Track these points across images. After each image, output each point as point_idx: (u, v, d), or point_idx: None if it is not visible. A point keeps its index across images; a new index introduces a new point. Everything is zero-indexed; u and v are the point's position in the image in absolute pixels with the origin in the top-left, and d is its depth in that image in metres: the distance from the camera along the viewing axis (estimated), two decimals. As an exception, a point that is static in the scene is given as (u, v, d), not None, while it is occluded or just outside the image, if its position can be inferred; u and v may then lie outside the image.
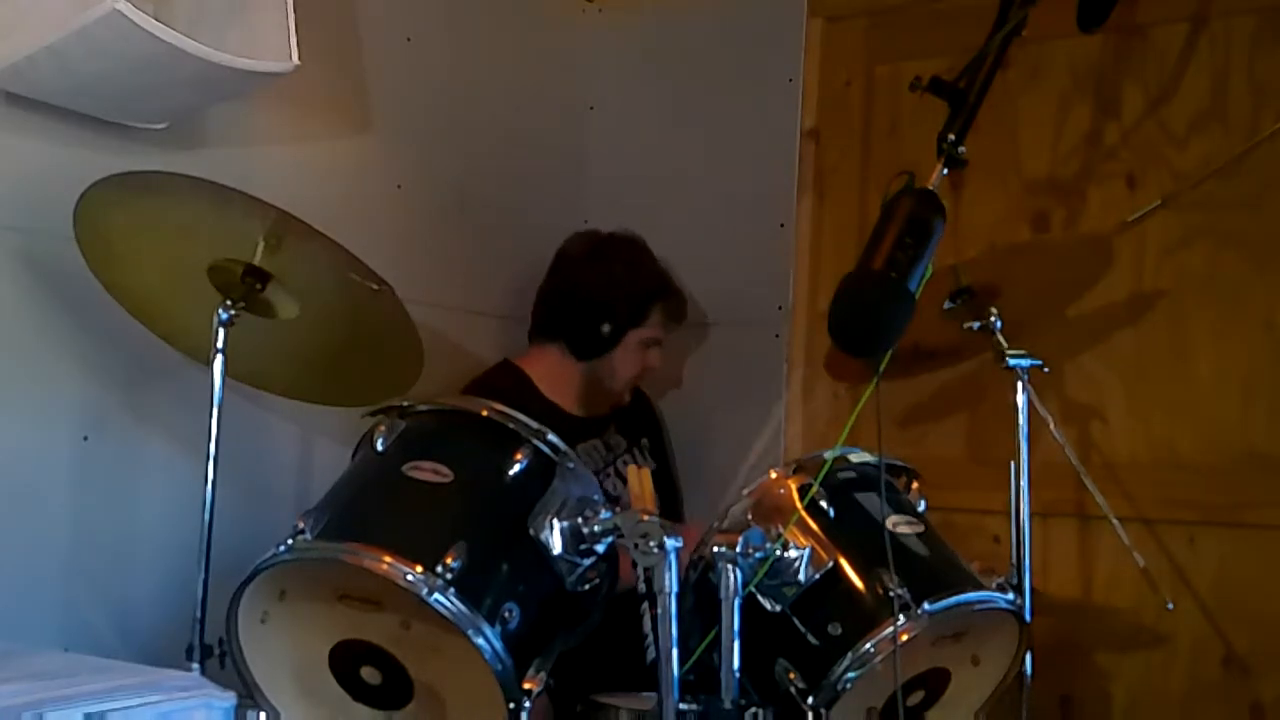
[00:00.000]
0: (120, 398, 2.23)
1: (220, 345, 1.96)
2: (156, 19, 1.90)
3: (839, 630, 1.86)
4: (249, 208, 1.94)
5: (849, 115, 2.88)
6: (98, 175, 1.92)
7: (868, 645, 1.82)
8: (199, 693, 1.55)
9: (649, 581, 1.71)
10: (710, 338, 3.01)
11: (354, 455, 2.01)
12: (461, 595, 1.69)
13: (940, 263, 1.85)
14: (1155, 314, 2.51)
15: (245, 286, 1.99)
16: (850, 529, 1.94)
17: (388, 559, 1.70)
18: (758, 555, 1.84)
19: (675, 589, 1.68)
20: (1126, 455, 2.52)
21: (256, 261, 1.99)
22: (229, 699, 1.57)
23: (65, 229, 1.96)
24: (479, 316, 2.90)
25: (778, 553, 1.87)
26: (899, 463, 2.10)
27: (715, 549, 1.80)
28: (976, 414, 2.65)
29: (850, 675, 1.82)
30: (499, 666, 1.71)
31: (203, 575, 1.94)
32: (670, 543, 1.69)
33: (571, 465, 1.86)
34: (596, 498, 1.85)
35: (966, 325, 2.24)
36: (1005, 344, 2.19)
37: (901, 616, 1.81)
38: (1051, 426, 2.24)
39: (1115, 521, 2.27)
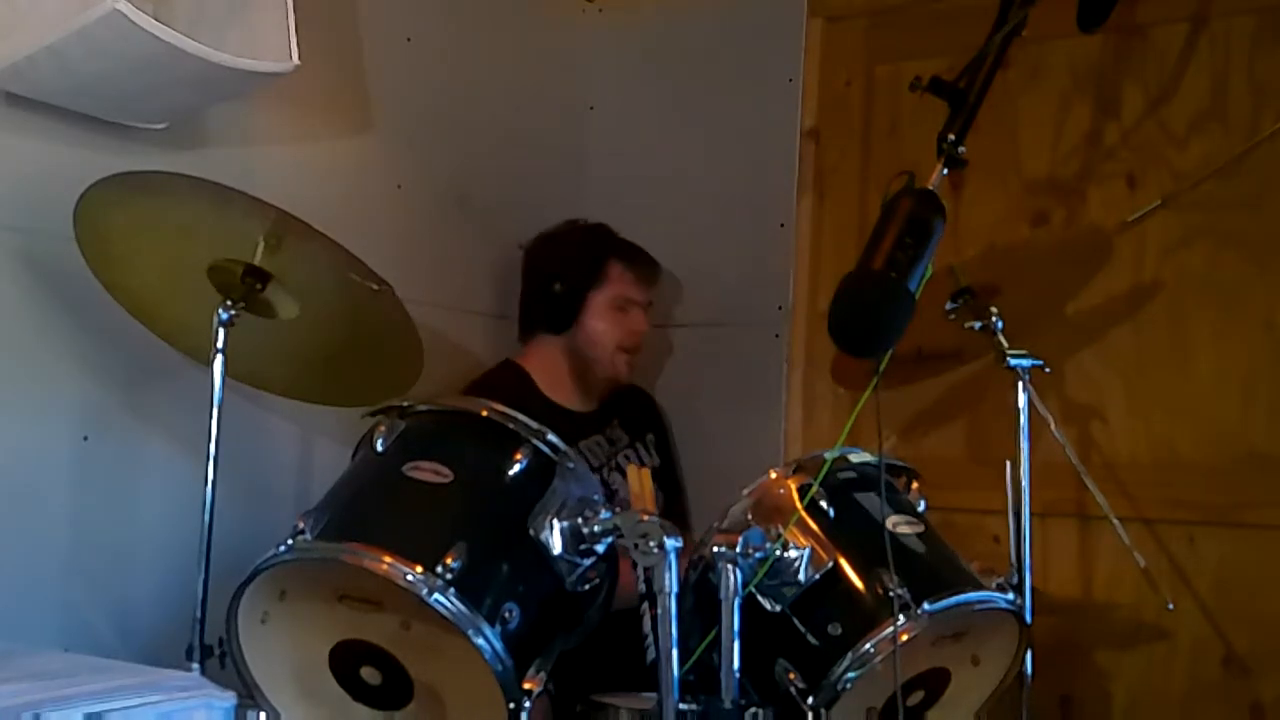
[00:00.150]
0: (120, 398, 2.23)
1: (220, 345, 1.96)
2: (156, 19, 1.90)
3: (839, 630, 1.86)
4: (249, 208, 1.94)
5: (849, 115, 2.88)
6: (98, 175, 1.92)
7: (868, 645, 1.82)
8: (199, 693, 1.55)
9: (649, 581, 1.71)
10: (710, 338, 3.01)
11: (354, 455, 2.01)
12: (461, 595, 1.69)
13: (940, 263, 1.85)
14: (1155, 314, 2.51)
15: (245, 286, 1.99)
16: (850, 529, 1.94)
17: (388, 559, 1.70)
18: (758, 555, 1.84)
19: (675, 589, 1.68)
20: (1126, 455, 2.52)
21: (256, 261, 1.99)
22: (229, 699, 1.57)
23: (65, 229, 1.96)
24: (479, 316, 2.90)
25: (778, 553, 1.87)
26: (899, 463, 2.10)
27: (715, 549, 1.80)
28: (977, 414, 2.65)
29: (850, 675, 1.82)
30: (499, 667, 1.71)
31: (203, 575, 1.94)
32: (670, 543, 1.69)
33: (571, 465, 1.87)
34: (596, 498, 1.85)
35: (967, 325, 2.24)
36: (1006, 344, 2.19)
37: (901, 616, 1.80)
38: (1052, 426, 2.24)
39: (1115, 521, 2.27)
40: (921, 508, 2.08)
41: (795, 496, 1.95)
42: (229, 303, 1.96)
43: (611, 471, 2.68)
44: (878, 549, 1.86)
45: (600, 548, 1.82)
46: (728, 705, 1.74)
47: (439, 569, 1.69)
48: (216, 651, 1.88)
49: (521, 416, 1.89)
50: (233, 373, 2.00)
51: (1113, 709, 2.50)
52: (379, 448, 1.88)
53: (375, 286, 2.01)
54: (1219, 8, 2.49)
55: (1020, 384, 2.17)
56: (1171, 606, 2.34)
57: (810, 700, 1.84)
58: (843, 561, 1.90)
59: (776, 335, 2.91)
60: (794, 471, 2.00)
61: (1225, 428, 2.44)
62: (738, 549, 1.79)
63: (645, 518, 1.73)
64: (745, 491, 1.99)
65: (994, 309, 2.22)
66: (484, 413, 1.92)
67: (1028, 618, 2.05)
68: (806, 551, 1.89)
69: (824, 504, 1.94)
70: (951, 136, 1.79)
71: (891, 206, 1.74)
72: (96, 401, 2.20)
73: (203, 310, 1.97)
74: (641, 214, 2.91)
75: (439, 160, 2.82)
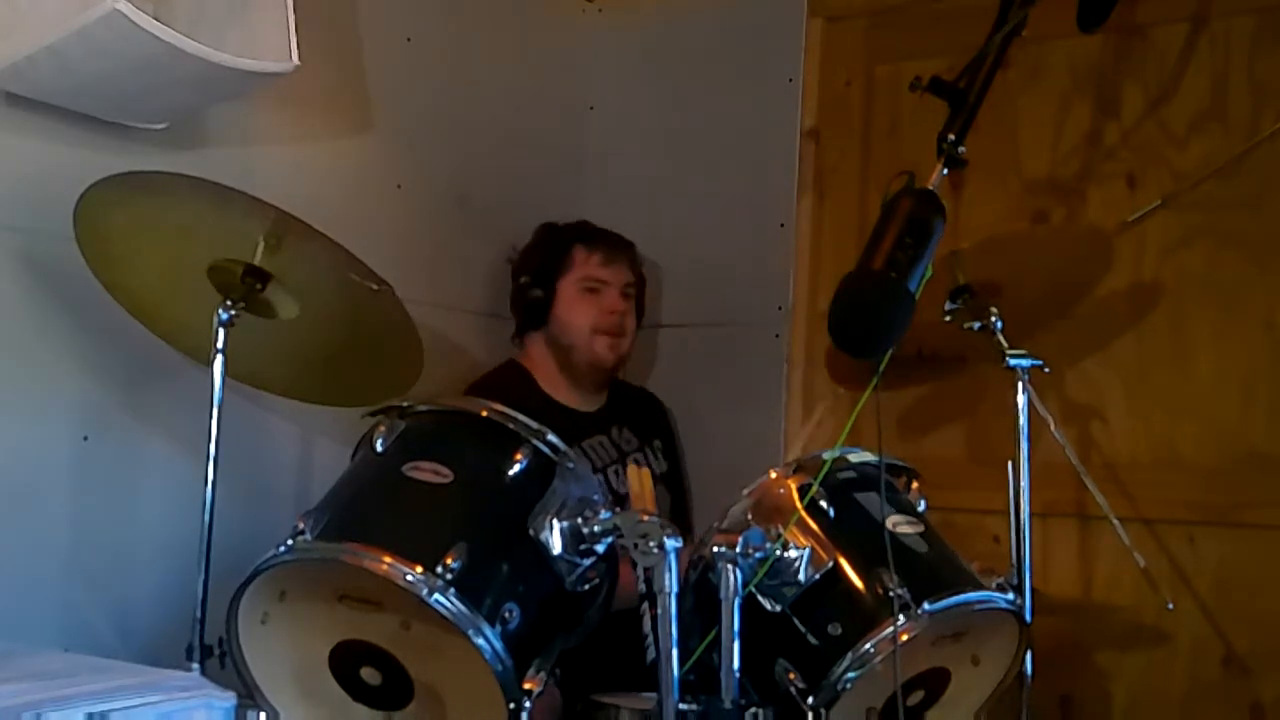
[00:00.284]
0: (120, 398, 2.23)
1: (220, 345, 1.96)
2: (156, 19, 1.91)
3: (839, 630, 1.86)
4: (249, 208, 1.94)
5: (849, 115, 2.88)
6: (98, 175, 1.92)
7: (868, 645, 1.82)
8: (199, 693, 1.55)
9: (649, 581, 1.71)
10: (710, 338, 3.01)
11: (354, 455, 2.01)
12: (461, 595, 1.69)
13: (940, 263, 1.85)
14: (1155, 314, 2.51)
15: (245, 286, 1.99)
16: (850, 529, 1.94)
17: (388, 559, 1.70)
18: (758, 555, 1.84)
19: (675, 589, 1.68)
20: (1126, 455, 2.52)
21: (256, 261, 1.99)
22: (229, 699, 1.57)
23: (65, 229, 1.96)
24: (479, 316, 2.89)
25: (778, 553, 1.87)
26: (899, 463, 2.10)
27: (715, 549, 1.80)
28: (977, 414, 2.65)
29: (850, 675, 1.82)
30: (499, 667, 1.71)
31: (203, 575, 1.94)
32: (670, 543, 1.69)
33: (571, 465, 1.86)
34: (596, 498, 1.85)
35: (967, 325, 2.24)
36: (1005, 344, 2.19)
37: (901, 616, 1.80)
38: (1052, 426, 2.24)
39: (1115, 521, 2.27)
40: (921, 508, 2.08)
41: (795, 496, 1.95)
42: (229, 303, 1.96)
43: (618, 474, 2.67)
44: (878, 549, 1.86)
45: (600, 548, 1.82)
46: (728, 705, 1.74)
47: (439, 569, 1.69)
48: (216, 651, 1.88)
49: (521, 416, 1.89)
50: (233, 373, 2.00)
51: (1113, 709, 2.50)
52: (379, 448, 1.88)
53: (375, 286, 2.01)
54: (1219, 8, 2.49)
55: (1020, 384, 2.16)
56: (1171, 606, 2.34)
57: (810, 700, 1.84)
58: (843, 561, 1.90)
59: (776, 335, 2.91)
60: (794, 471, 2.00)
61: (1225, 428, 2.44)
62: (738, 549, 1.79)
63: (645, 518, 1.73)
64: (745, 491, 1.99)
65: (994, 309, 2.22)
66: (484, 413, 1.92)
67: (1028, 618, 2.05)
68: (806, 551, 1.89)
69: (824, 504, 1.94)
70: (951, 136, 1.79)
71: (891, 206, 1.74)
72: (96, 401, 2.20)
73: (203, 310, 1.97)
74: (641, 214, 2.91)
75: (439, 160, 2.82)
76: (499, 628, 1.72)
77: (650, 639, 1.74)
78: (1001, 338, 2.20)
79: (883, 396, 1.77)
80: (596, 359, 2.70)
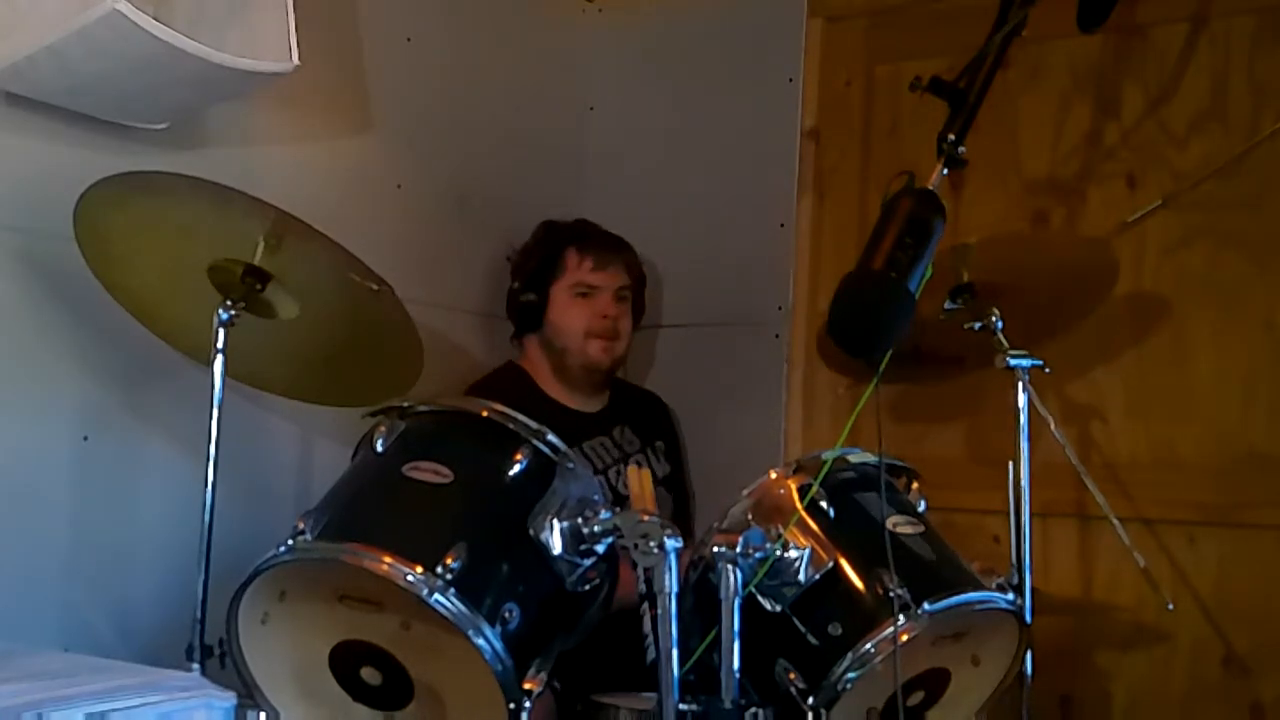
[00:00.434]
0: (120, 398, 2.23)
1: (220, 345, 1.96)
2: (156, 19, 1.90)
3: (839, 630, 1.86)
4: (249, 208, 1.94)
5: (849, 115, 2.88)
6: (98, 175, 1.92)
7: (868, 645, 1.82)
8: (199, 693, 1.55)
9: (649, 582, 1.70)
10: (710, 338, 3.01)
11: (354, 455, 2.01)
12: (461, 595, 1.69)
13: (941, 263, 1.85)
14: (1155, 314, 2.51)
15: (245, 286, 1.99)
16: (850, 529, 1.94)
17: (388, 559, 1.70)
18: (758, 555, 1.84)
19: (675, 589, 1.68)
20: (1126, 455, 2.52)
21: (256, 261, 1.99)
22: (229, 699, 1.57)
23: (65, 229, 1.96)
24: (479, 316, 2.90)
25: (778, 553, 1.87)
26: (899, 463, 2.10)
27: (715, 549, 1.80)
28: (977, 414, 2.65)
29: (850, 675, 1.82)
30: (499, 667, 1.71)
31: (203, 575, 1.94)
32: (670, 543, 1.69)
33: (571, 465, 1.86)
34: (596, 498, 1.85)
35: (967, 326, 2.24)
36: (1006, 344, 2.18)
37: (901, 616, 1.80)
38: (1052, 426, 2.24)
39: (1115, 521, 2.27)
40: (921, 508, 2.08)
41: (795, 496, 1.95)
42: (229, 303, 1.96)
43: (620, 475, 2.67)
44: (878, 549, 1.86)
45: (600, 548, 1.82)
46: (728, 705, 1.74)
47: (439, 569, 1.69)
48: (216, 651, 1.88)
49: (521, 416, 1.89)
50: (233, 373, 2.00)
51: (1113, 709, 2.50)
52: (379, 448, 1.88)
53: (375, 286, 2.01)
54: (1219, 8, 2.49)
55: (1020, 384, 2.16)
56: (1171, 606, 2.34)
57: (810, 700, 1.84)
58: (843, 561, 1.90)
59: (776, 335, 2.91)
60: (794, 471, 2.00)
61: (1225, 428, 2.44)
62: (738, 549, 1.79)
63: (645, 518, 1.73)
64: (745, 492, 1.99)
65: (994, 309, 2.22)
66: (484, 413, 1.92)
67: (1028, 618, 2.05)
68: (806, 551, 1.89)
69: (824, 504, 1.94)
70: (951, 136, 1.79)
71: (891, 206, 1.74)
72: (96, 401, 2.20)
73: (203, 310, 1.97)
74: (641, 214, 2.91)
75: (439, 160, 2.82)
76: (499, 628, 1.72)
77: (650, 639, 1.74)
78: (1002, 338, 2.20)
79: (883, 397, 1.77)
80: (590, 362, 2.70)
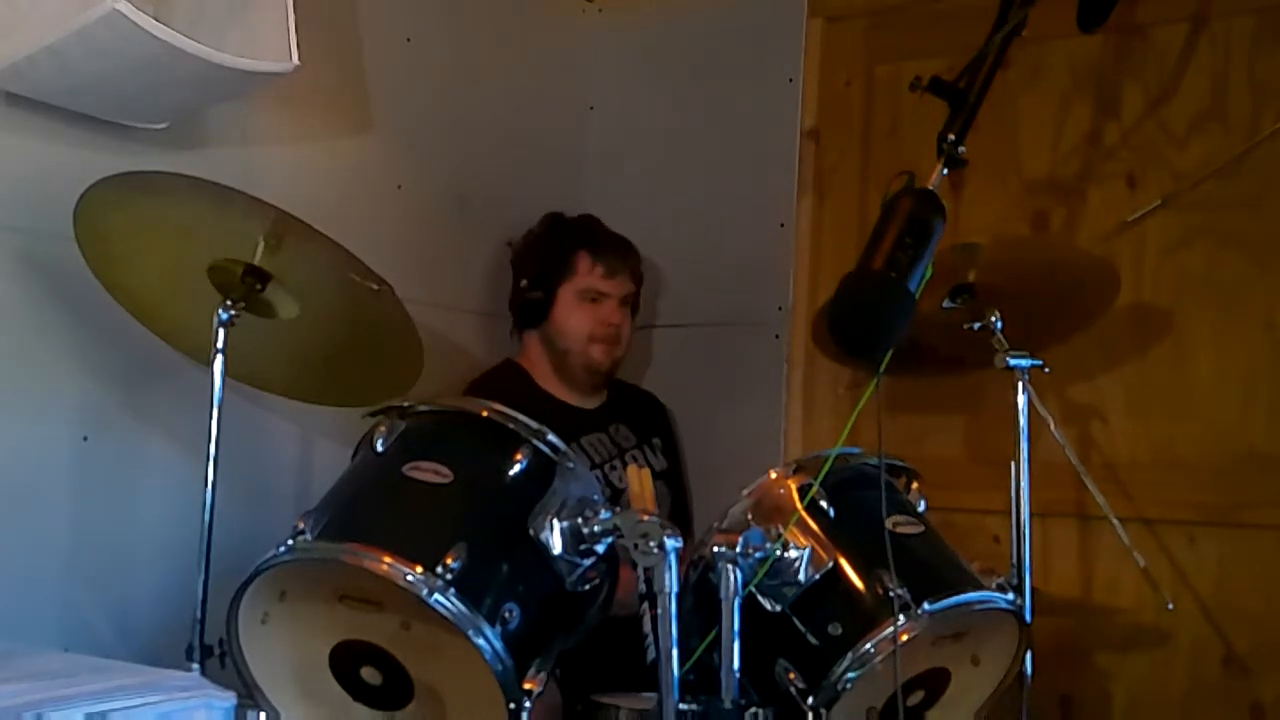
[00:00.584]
0: (120, 398, 2.23)
1: (220, 345, 1.96)
2: (156, 19, 1.91)
3: (839, 630, 1.86)
4: (249, 208, 1.94)
5: (849, 115, 2.88)
6: (98, 175, 1.92)
7: (868, 645, 1.82)
8: (199, 693, 1.55)
9: (649, 582, 1.70)
10: (710, 338, 3.01)
11: (354, 455, 2.01)
12: (461, 595, 1.69)
13: (941, 263, 1.85)
14: (1155, 314, 2.51)
15: (245, 286, 1.99)
16: (850, 529, 1.94)
17: (388, 559, 1.70)
18: (758, 555, 1.84)
19: (675, 589, 1.68)
20: (1126, 455, 2.51)
21: (256, 261, 1.99)
22: (229, 699, 1.57)
23: (65, 229, 1.96)
24: (479, 316, 2.90)
25: (778, 553, 1.87)
26: (899, 463, 2.10)
27: (715, 549, 1.80)
28: (977, 414, 2.64)
29: (850, 675, 1.82)
30: (499, 667, 1.71)
31: (203, 575, 1.94)
32: (670, 543, 1.69)
33: (571, 465, 1.86)
34: (596, 498, 1.85)
35: (967, 326, 2.24)
36: (1005, 344, 2.18)
37: (901, 616, 1.80)
38: (1052, 427, 2.24)
39: (1115, 521, 2.27)
40: (921, 508, 2.08)
41: (795, 496, 1.95)
42: (229, 303, 1.96)
43: (615, 470, 2.67)
44: (878, 549, 1.86)
45: (600, 548, 1.82)
46: (728, 705, 1.74)
47: (439, 569, 1.69)
48: (216, 651, 1.88)
49: (521, 416, 1.89)
50: (233, 373, 2.00)
51: (1113, 709, 2.50)
52: (379, 448, 1.88)
53: (375, 286, 2.01)
54: (1219, 8, 2.49)
55: (1020, 384, 2.16)
56: (1171, 606, 2.34)
57: (810, 700, 1.84)
58: (843, 561, 1.90)
59: (776, 335, 2.91)
60: (794, 471, 2.00)
61: (1225, 428, 2.44)
62: (738, 549, 1.79)
63: (645, 518, 1.72)
64: (745, 491, 1.99)
65: (994, 309, 2.22)
66: (484, 413, 1.92)
67: (1028, 618, 2.05)
68: (806, 551, 1.89)
69: (824, 504, 1.94)
70: (951, 136, 1.79)
71: (891, 206, 1.74)
72: (96, 401, 2.20)
73: (203, 310, 1.97)
74: (641, 214, 2.91)
75: (439, 160, 2.82)
76: (499, 628, 1.72)
77: (650, 639, 1.74)
78: (1001, 338, 2.20)
79: (883, 397, 1.77)
80: (591, 364, 2.71)
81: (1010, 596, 1.98)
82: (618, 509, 1.80)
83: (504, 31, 2.98)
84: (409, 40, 2.73)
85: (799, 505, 1.93)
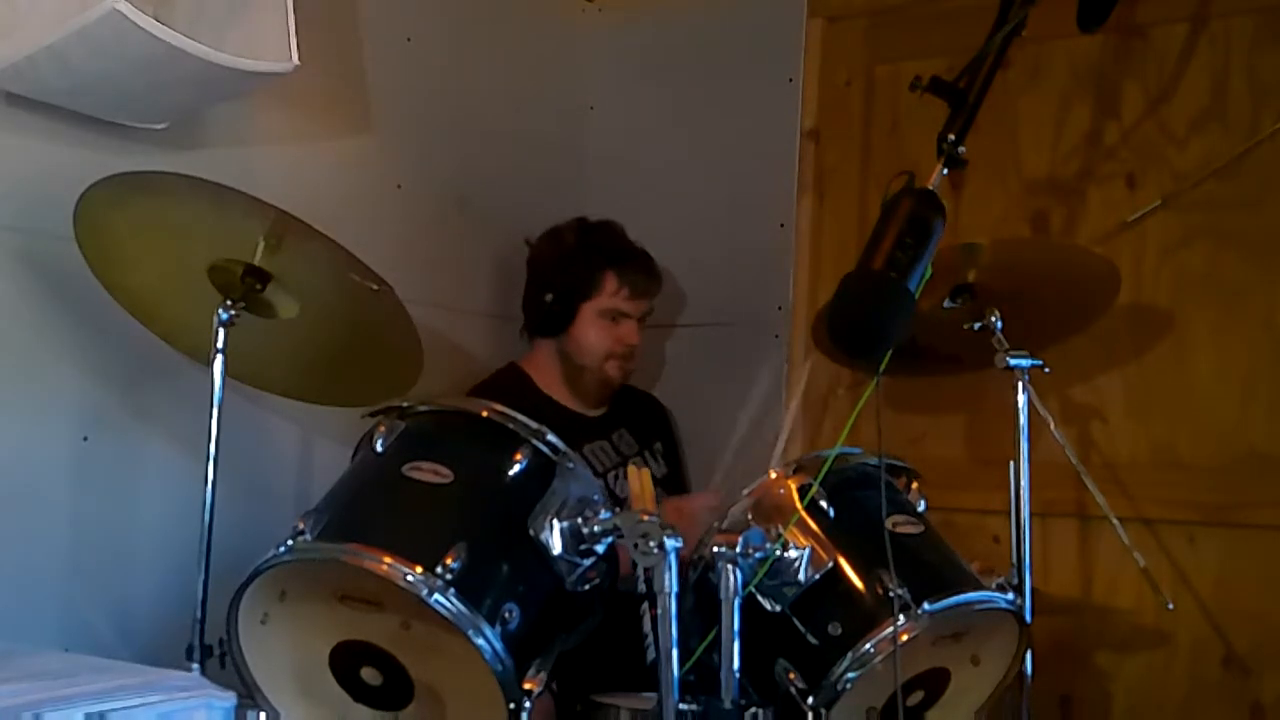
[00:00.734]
0: (120, 398, 2.23)
1: (220, 345, 1.96)
2: (156, 19, 1.91)
3: (839, 630, 1.86)
4: (249, 208, 1.94)
5: (849, 115, 2.88)
6: (98, 175, 1.92)
7: (868, 645, 1.82)
8: (199, 693, 1.55)
9: (649, 581, 1.71)
10: (710, 338, 3.01)
11: (354, 455, 2.01)
12: (461, 595, 1.69)
13: (940, 263, 1.85)
14: (1155, 314, 2.51)
15: (245, 286, 1.99)
16: (850, 529, 1.94)
17: (388, 560, 1.70)
18: (758, 555, 1.84)
19: (675, 589, 1.68)
20: (1126, 455, 2.52)
21: (256, 261, 1.99)
22: (229, 699, 1.57)
23: (65, 229, 1.96)
24: (479, 317, 2.90)
25: (778, 553, 1.87)
26: (899, 463, 2.10)
27: (715, 549, 1.80)
28: (976, 414, 2.65)
29: (850, 675, 1.82)
30: (499, 667, 1.71)
31: (203, 575, 1.94)
32: (670, 543, 1.69)
33: (571, 465, 1.87)
34: (596, 498, 1.85)
35: (967, 326, 2.24)
36: (1005, 344, 2.18)
37: (901, 616, 1.80)
38: (1051, 427, 2.24)
39: (1115, 521, 2.27)
40: (921, 508, 2.08)
41: (795, 496, 1.95)
42: (229, 303, 1.96)
43: (618, 479, 2.67)
44: (878, 549, 1.86)
45: (600, 548, 1.82)
46: (728, 705, 1.74)
47: (439, 569, 1.69)
48: (216, 651, 1.89)
49: (521, 416, 1.89)
50: (233, 373, 2.00)
51: (1113, 709, 2.50)
52: (379, 448, 1.88)
53: (375, 286, 2.01)
54: (1219, 8, 2.49)
55: (1020, 384, 2.16)
56: (1171, 606, 2.34)
57: (810, 700, 1.84)
58: (843, 561, 1.90)
59: (776, 335, 2.91)
60: (794, 471, 2.00)
61: (1225, 428, 2.44)
62: (738, 549, 1.79)
63: (645, 518, 1.72)
64: (745, 491, 1.99)
65: (994, 309, 2.22)
66: (484, 413, 1.92)
67: (1028, 618, 2.05)
68: (806, 551, 1.89)
69: (824, 504, 1.94)
70: (951, 136, 1.79)
71: (891, 206, 1.74)
72: (96, 401, 2.20)
73: (203, 310, 1.97)
74: (641, 214, 2.91)
75: (439, 160, 2.82)
76: (499, 628, 1.72)
77: (650, 639, 1.74)
78: (1001, 338, 2.20)
79: (883, 397, 1.77)
80: (607, 380, 2.70)
81: (1010, 596, 1.98)
82: (618, 509, 1.80)
83: (504, 31, 2.98)
84: (409, 40, 2.73)
85: (799, 505, 1.93)
